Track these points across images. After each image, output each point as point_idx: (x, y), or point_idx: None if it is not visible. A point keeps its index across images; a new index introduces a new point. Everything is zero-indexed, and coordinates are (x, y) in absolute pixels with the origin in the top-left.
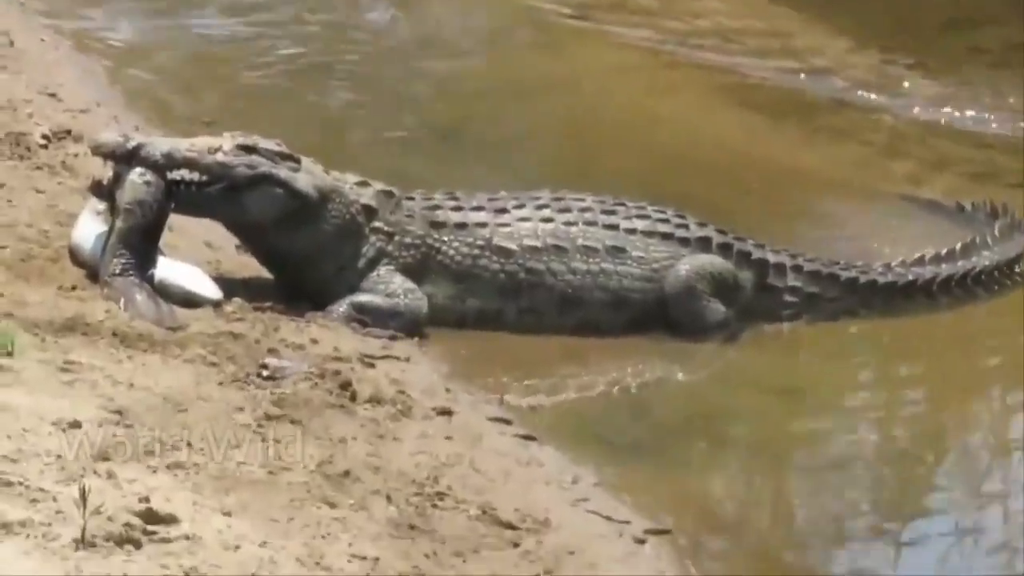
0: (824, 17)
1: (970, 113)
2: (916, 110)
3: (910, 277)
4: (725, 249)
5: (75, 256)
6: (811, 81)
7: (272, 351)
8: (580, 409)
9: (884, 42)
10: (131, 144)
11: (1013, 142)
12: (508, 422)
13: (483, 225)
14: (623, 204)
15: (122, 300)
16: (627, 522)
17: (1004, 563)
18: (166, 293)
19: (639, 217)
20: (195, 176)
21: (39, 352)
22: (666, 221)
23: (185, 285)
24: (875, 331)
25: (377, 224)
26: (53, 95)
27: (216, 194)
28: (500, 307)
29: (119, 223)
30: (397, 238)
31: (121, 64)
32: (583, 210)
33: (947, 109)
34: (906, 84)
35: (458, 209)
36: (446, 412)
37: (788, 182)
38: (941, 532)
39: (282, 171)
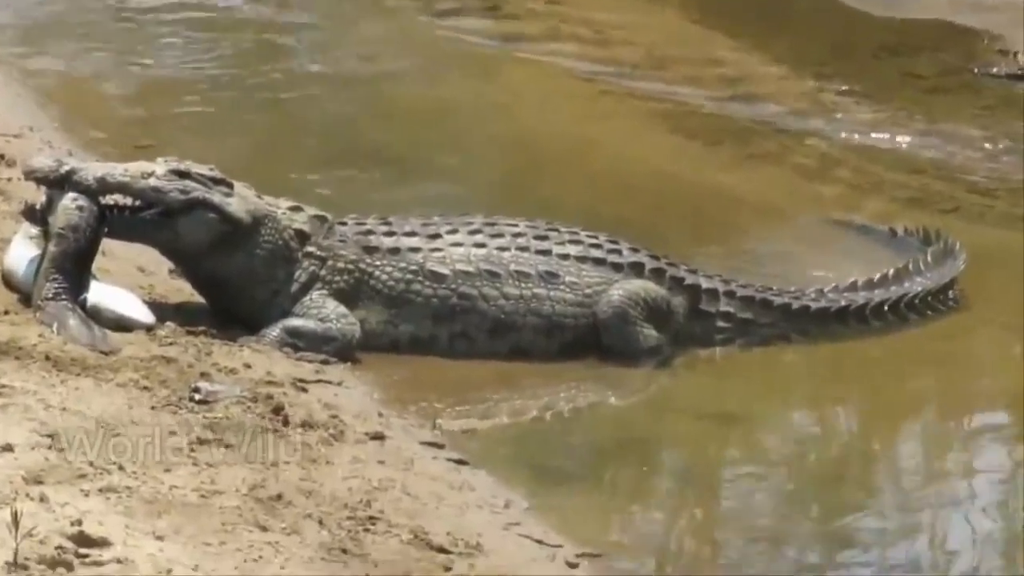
0: (759, 44)
1: (903, 138)
2: (850, 135)
3: (843, 303)
4: (658, 274)
5: (8, 280)
6: (745, 107)
7: (205, 375)
8: (512, 434)
9: (818, 68)
10: (64, 169)
11: (946, 167)
12: (440, 446)
13: (416, 250)
14: (556, 229)
15: (55, 324)
16: (559, 546)
17: None
18: (99, 317)
19: (572, 242)
20: (128, 201)
21: None
22: (599, 246)
23: (118, 309)
24: (808, 356)
25: (310, 249)
26: None
27: (149, 219)
28: (433, 332)
29: (52, 247)
30: (330, 263)
31: (54, 90)
32: (516, 235)
33: (881, 134)
34: (840, 109)
35: (391, 234)
36: (379, 436)
37: (721, 207)
38: (870, 560)
39: (215, 196)
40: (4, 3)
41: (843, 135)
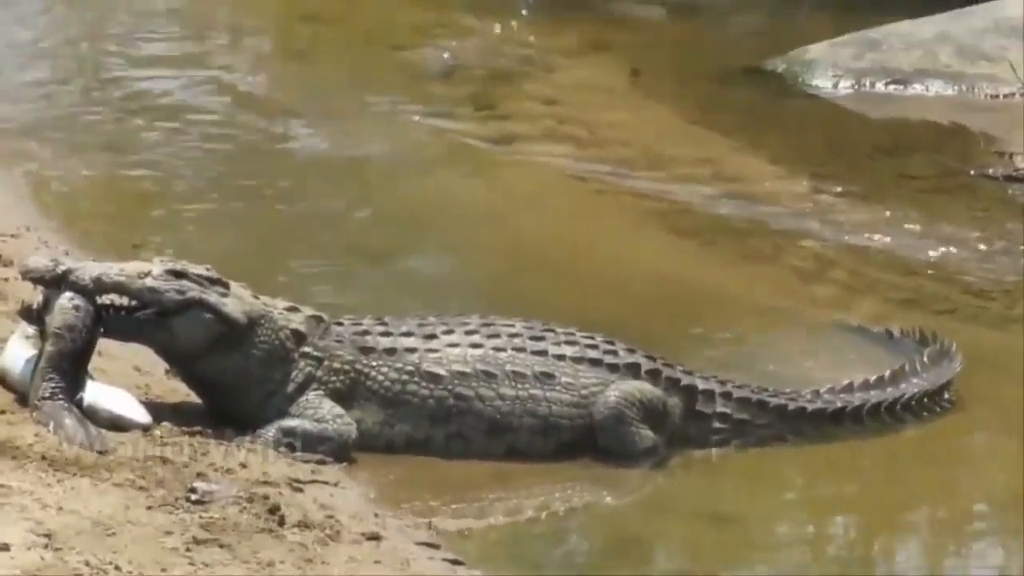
0: (755, 144)
1: (899, 239)
2: (845, 236)
3: (839, 404)
4: (654, 375)
5: (4, 380)
6: (740, 207)
7: (201, 475)
8: (508, 534)
9: (814, 169)
10: (61, 269)
11: (942, 268)
12: (436, 547)
13: (412, 351)
14: (552, 330)
15: (51, 424)
16: None
17: None
18: (95, 417)
19: (568, 343)
20: (124, 301)
21: None
22: (595, 347)
23: (114, 409)
24: (804, 458)
25: (306, 349)
26: None
27: (145, 319)
28: (429, 432)
29: (49, 347)
30: (326, 363)
31: (51, 189)
32: (512, 336)
33: (876, 235)
34: (835, 210)
35: (387, 335)
36: (375, 537)
37: (716, 308)
38: None
39: (211, 296)
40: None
41: (838, 236)
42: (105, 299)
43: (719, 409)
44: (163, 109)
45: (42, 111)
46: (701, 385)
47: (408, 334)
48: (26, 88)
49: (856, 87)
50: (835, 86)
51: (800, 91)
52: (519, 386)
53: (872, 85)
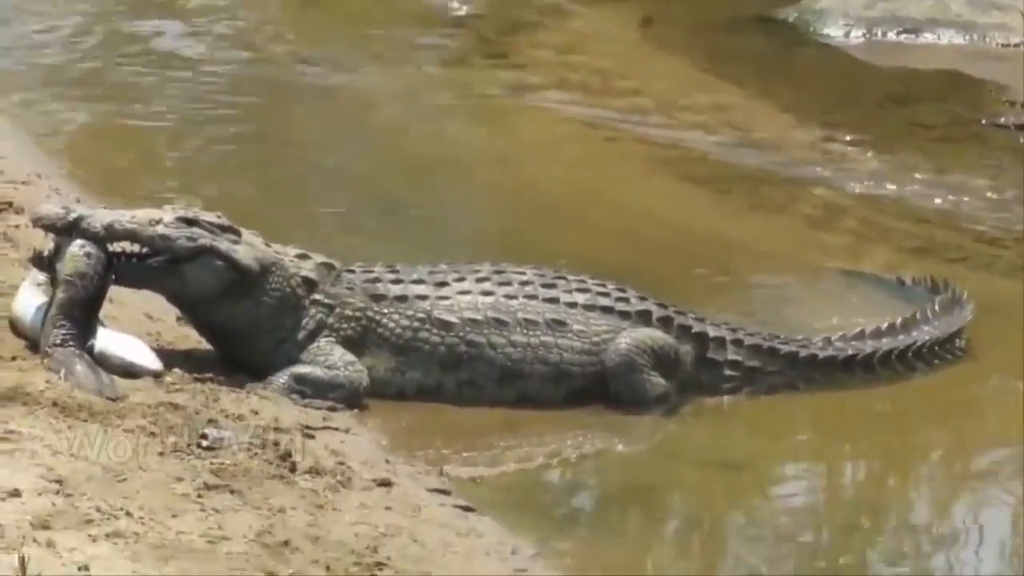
0: (766, 93)
1: (910, 188)
2: (856, 185)
3: (850, 352)
4: (665, 323)
5: (16, 327)
6: (752, 155)
7: (212, 422)
8: (519, 481)
9: (826, 118)
10: (72, 216)
11: (953, 217)
12: (447, 493)
13: (423, 298)
14: (564, 277)
15: (62, 370)
16: None
17: None
18: (106, 364)
19: (579, 290)
20: (136, 248)
21: None
22: (606, 295)
23: (125, 356)
24: (815, 405)
25: (317, 296)
26: None
27: (157, 266)
28: (440, 380)
29: (60, 294)
30: (337, 310)
31: (62, 136)
32: (523, 283)
33: (887, 184)
34: (846, 159)
35: (398, 282)
36: (386, 483)
37: (729, 255)
38: None
39: (223, 243)
40: (10, 51)
41: (850, 184)
42: (116, 246)
43: (730, 357)
44: (175, 59)
45: (53, 61)
46: (712, 332)
47: (419, 281)
48: (35, 38)
49: (867, 36)
50: (846, 35)
51: (811, 40)
52: (530, 333)
53: (883, 34)
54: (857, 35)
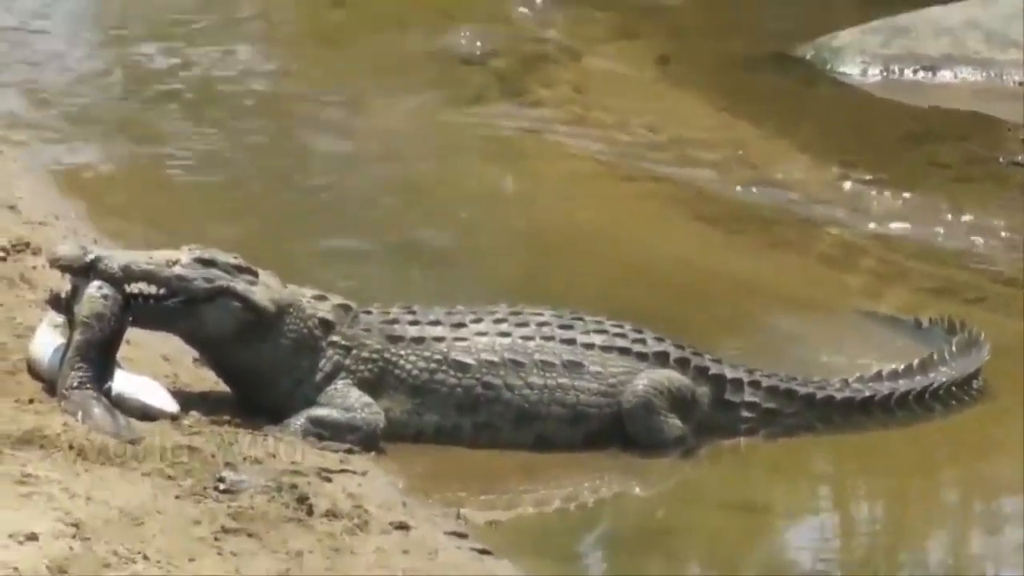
0: (783, 131)
1: (928, 227)
2: (874, 224)
3: (867, 393)
4: (683, 364)
5: (33, 369)
6: (769, 194)
7: (229, 465)
8: (537, 524)
9: (842, 156)
10: (89, 257)
11: (971, 257)
12: (465, 536)
13: (440, 339)
14: (580, 318)
15: (79, 413)
16: None
17: None
18: (123, 406)
19: (597, 332)
20: (153, 289)
21: None
22: (623, 336)
23: (142, 398)
24: (833, 447)
25: (334, 338)
26: (12, 207)
27: (174, 307)
28: (457, 422)
29: (77, 336)
30: (354, 352)
31: (78, 177)
32: (540, 324)
33: (905, 224)
34: (864, 198)
35: (415, 323)
36: (403, 526)
37: (745, 296)
38: None
39: (240, 284)
40: (27, 90)
41: (867, 224)
42: (134, 287)
43: (747, 398)
44: (191, 95)
45: (68, 98)
46: (729, 374)
47: (436, 323)
48: (53, 75)
49: (884, 74)
50: (863, 73)
51: (828, 78)
52: (547, 375)
53: (901, 72)
54: (874, 73)
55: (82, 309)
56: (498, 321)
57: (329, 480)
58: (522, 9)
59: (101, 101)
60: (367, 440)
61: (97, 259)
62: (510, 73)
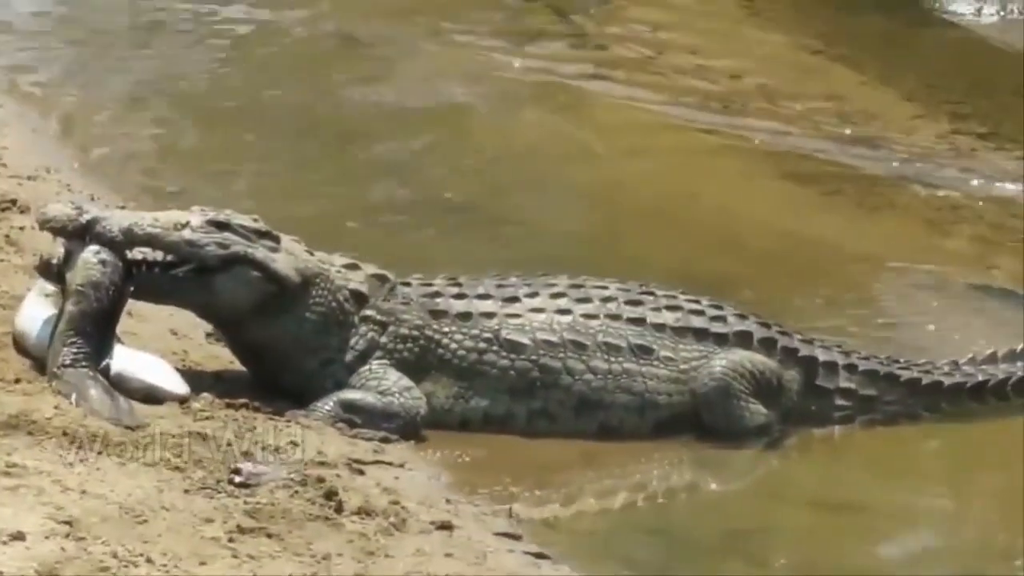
0: (886, 79)
1: None
2: (987, 185)
3: (980, 377)
4: (768, 344)
5: (20, 344)
6: (868, 151)
7: (246, 455)
8: (599, 524)
9: (953, 108)
10: (85, 218)
11: None
12: (517, 538)
13: (490, 315)
14: (651, 293)
15: (74, 395)
16: None
17: None
18: (124, 387)
19: (669, 309)
20: (158, 256)
21: None
22: (700, 313)
23: (147, 378)
24: (940, 438)
25: (368, 312)
26: None
27: (182, 277)
28: (509, 409)
29: (70, 307)
30: (391, 328)
31: (76, 125)
32: (605, 300)
33: (1023, 185)
34: (977, 155)
35: (461, 296)
36: (446, 526)
37: (840, 266)
38: None
39: (259, 251)
40: (22, 35)
41: (980, 184)
42: (136, 253)
43: (842, 383)
44: (214, 39)
45: (66, 42)
46: (822, 356)
47: (485, 296)
48: (51, 23)
49: (1002, 14)
50: (978, 12)
51: (938, 18)
52: (612, 359)
53: (1020, 12)
54: (990, 12)
55: (76, 277)
56: (556, 296)
57: (361, 473)
58: None
59: (101, 42)
60: (406, 428)
61: (94, 220)
62: (572, 9)
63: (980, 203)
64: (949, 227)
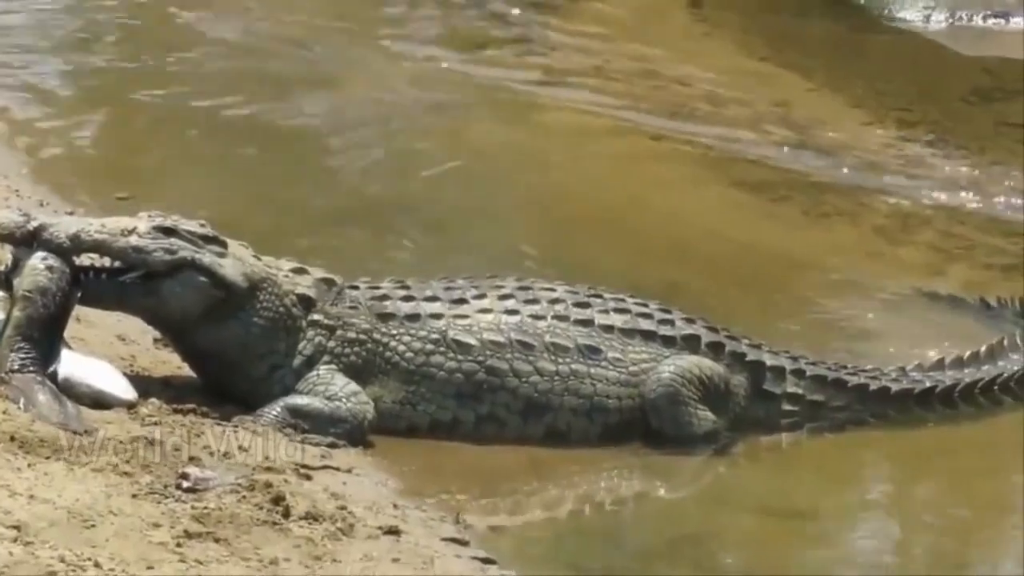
0: (835, 86)
1: (998, 197)
2: (936, 192)
3: (928, 384)
4: (716, 349)
5: None
6: (816, 158)
7: (194, 460)
8: (547, 530)
9: (902, 115)
10: (33, 224)
11: None
12: (465, 543)
13: (438, 317)
14: (599, 296)
15: (21, 400)
16: None
17: None
18: (72, 392)
19: (617, 311)
20: (106, 262)
21: None
22: (648, 316)
23: (94, 383)
24: (887, 444)
25: (316, 317)
26: None
27: (130, 283)
28: (456, 413)
29: (17, 312)
30: (339, 332)
31: (24, 128)
32: (553, 302)
33: (971, 192)
34: (925, 162)
35: (409, 299)
36: (393, 531)
37: (788, 273)
38: None
39: (206, 256)
40: None
41: (928, 192)
42: (83, 259)
43: (790, 389)
44: (170, 37)
45: (13, 40)
46: (770, 361)
47: (433, 299)
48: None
49: (950, 20)
50: (926, 19)
51: (886, 25)
52: (559, 360)
53: (969, 18)
54: (939, 19)
55: (23, 283)
56: (504, 297)
57: (309, 478)
58: None
59: (51, 42)
60: (353, 433)
61: (41, 227)
62: (517, 17)
63: (929, 210)
64: (898, 234)
